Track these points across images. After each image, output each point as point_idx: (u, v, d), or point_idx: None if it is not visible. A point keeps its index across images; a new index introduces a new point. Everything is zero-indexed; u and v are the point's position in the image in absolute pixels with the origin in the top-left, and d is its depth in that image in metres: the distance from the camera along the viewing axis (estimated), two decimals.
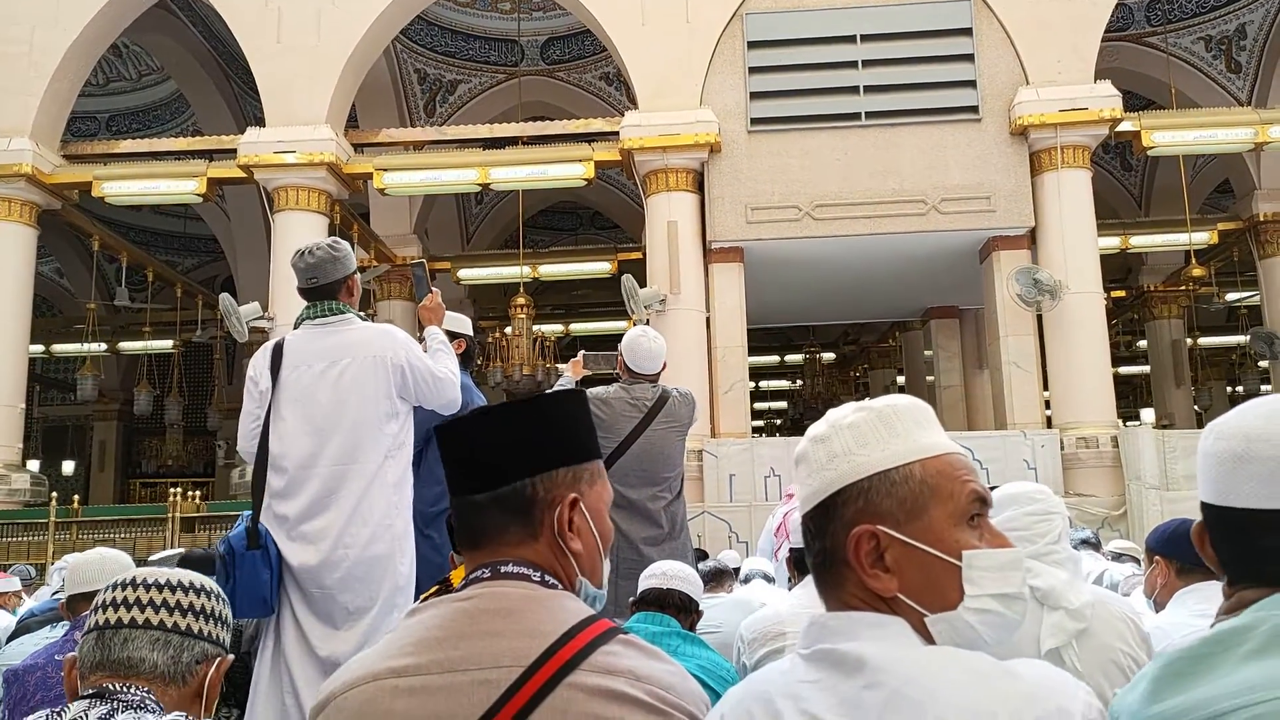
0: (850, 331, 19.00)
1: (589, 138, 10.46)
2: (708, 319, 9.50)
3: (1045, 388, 9.52)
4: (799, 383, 19.71)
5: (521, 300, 11.86)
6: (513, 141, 10.81)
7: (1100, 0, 9.40)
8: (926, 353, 13.88)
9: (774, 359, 20.46)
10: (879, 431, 1.10)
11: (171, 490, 9.22)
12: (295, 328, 3.21)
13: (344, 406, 3.05)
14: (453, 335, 3.71)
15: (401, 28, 11.10)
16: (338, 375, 3.07)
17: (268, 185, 9.84)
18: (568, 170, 10.11)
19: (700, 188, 9.54)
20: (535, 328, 12.61)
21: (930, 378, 13.66)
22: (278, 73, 9.77)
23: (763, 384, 21.28)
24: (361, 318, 3.25)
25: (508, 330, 12.16)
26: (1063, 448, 8.88)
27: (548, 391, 1.44)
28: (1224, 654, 1.02)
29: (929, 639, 1.04)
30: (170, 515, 8.79)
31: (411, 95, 13.33)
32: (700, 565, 4.48)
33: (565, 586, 1.23)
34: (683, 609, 2.72)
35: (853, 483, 1.08)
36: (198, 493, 9.50)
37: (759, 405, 21.53)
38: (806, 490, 1.12)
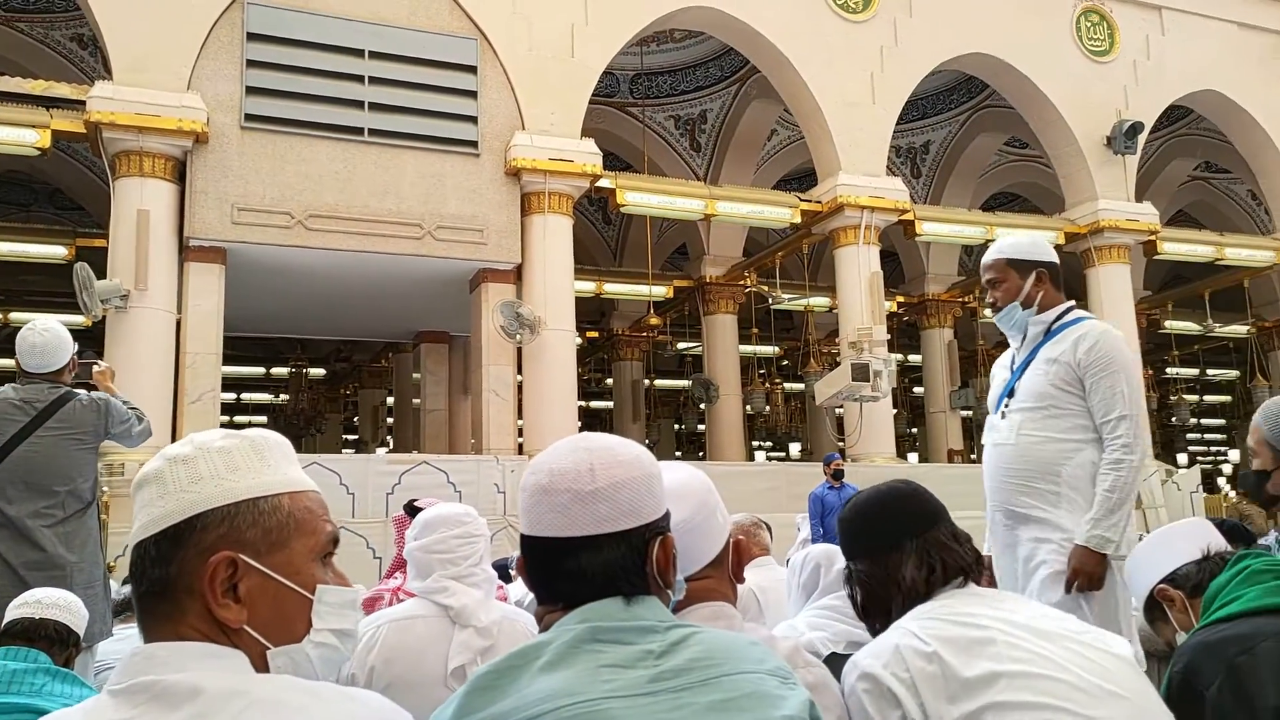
0: (343, 349, 18.63)
1: (50, 102, 9.09)
2: (179, 321, 8.71)
3: (520, 416, 10.09)
4: (283, 398, 18.84)
5: None
6: None
7: (591, 66, 10.31)
8: (416, 375, 14.05)
9: (258, 370, 19.37)
10: (251, 459, 1.07)
11: None
12: None
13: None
14: None
15: None
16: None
17: None
18: (17, 135, 8.67)
19: (182, 178, 8.75)
20: None
21: (417, 400, 13.84)
22: None
23: (244, 396, 20.03)
24: None
25: None
26: None
27: None
28: (525, 667, 1.11)
29: (265, 672, 1.02)
30: None
31: None
32: None
33: None
34: (58, 642, 2.40)
35: (218, 507, 1.03)
36: None
37: (239, 419, 20.24)
38: (156, 511, 1.04)
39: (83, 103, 8.57)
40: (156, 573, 1.01)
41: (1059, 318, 3.00)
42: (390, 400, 17.31)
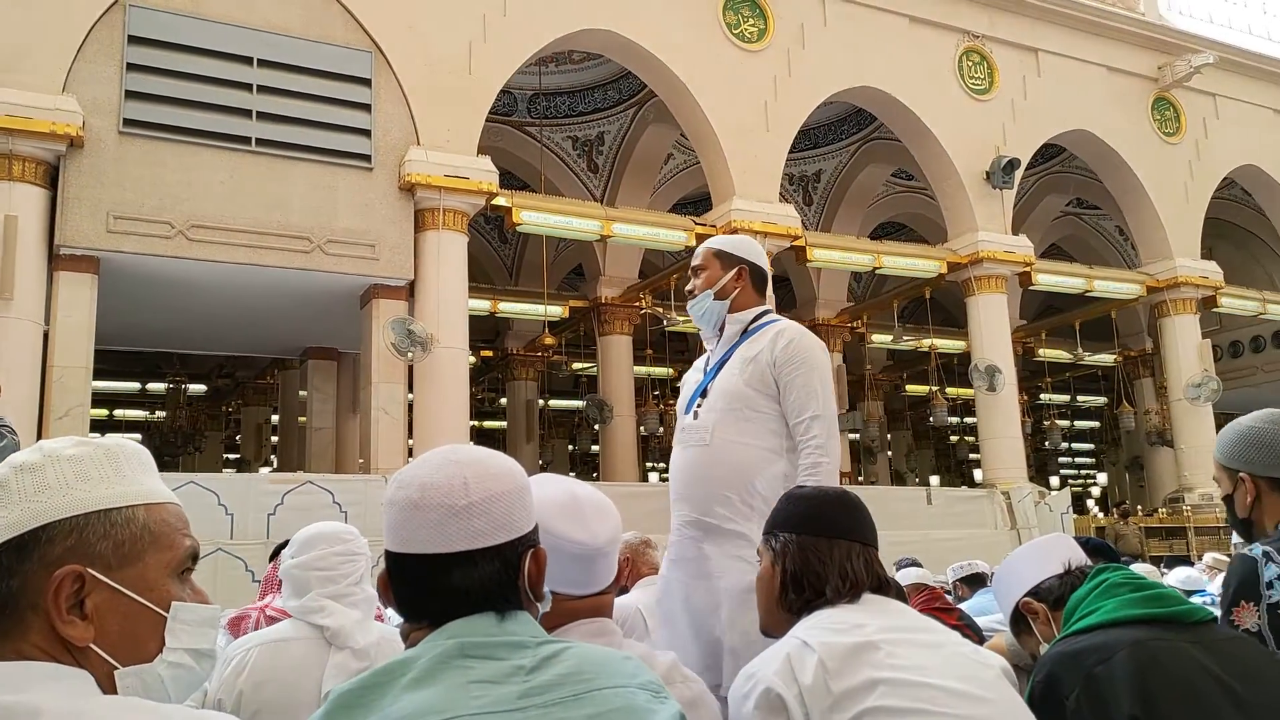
0: (226, 365, 18.00)
1: None
2: (47, 333, 8.29)
3: (411, 435, 9.91)
4: (159, 414, 18.09)
5: None
6: None
7: (489, 84, 10.27)
8: (302, 393, 13.67)
9: (134, 385, 18.56)
10: (104, 468, 1.02)
11: None
12: None
13: None
14: None
15: None
16: None
17: None
18: None
19: (54, 184, 8.35)
20: None
21: (303, 418, 13.46)
22: None
23: (117, 413, 19.15)
24: None
25: None
26: None
27: None
28: (389, 684, 1.08)
29: (112, 693, 0.97)
30: None
31: None
32: None
33: None
34: None
35: (66, 518, 0.97)
36: None
37: (112, 435, 19.31)
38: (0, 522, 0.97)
39: None
40: (1, 585, 0.95)
41: (756, 319, 2.90)
42: (275, 418, 16.78)
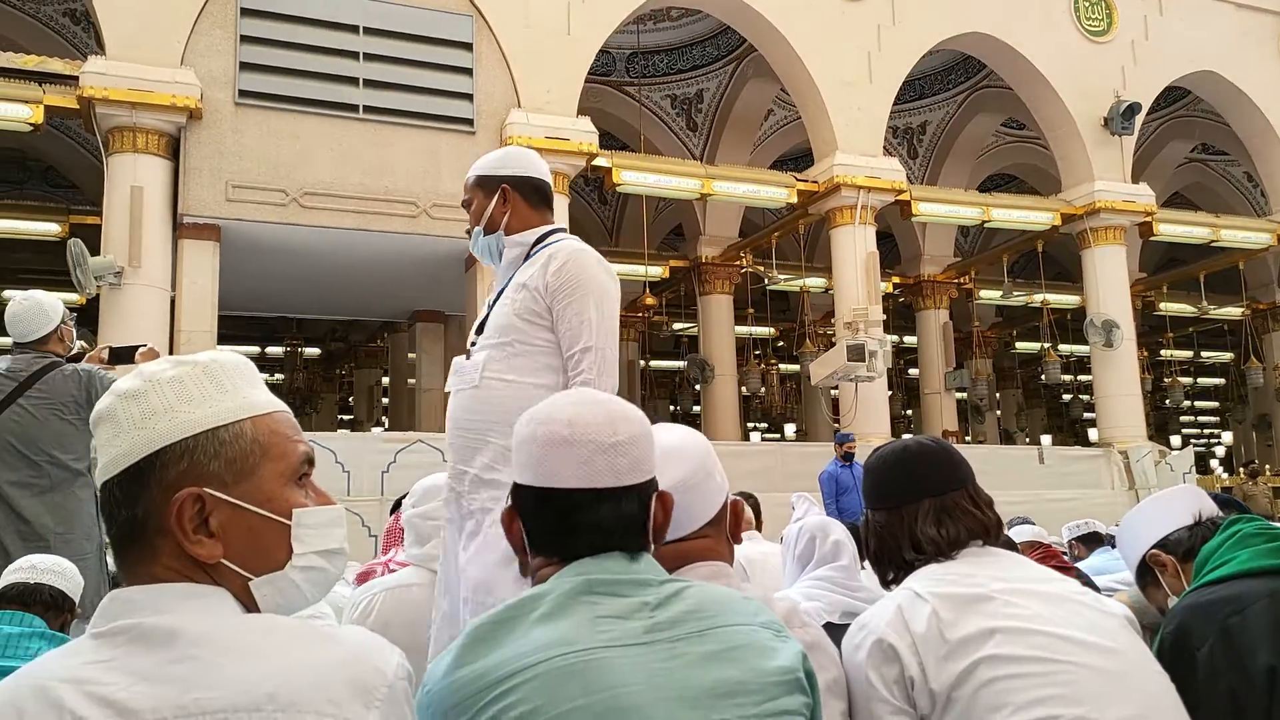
0: (338, 329, 18.59)
1: (43, 78, 9.01)
2: (174, 299, 8.68)
3: None
4: (279, 377, 18.82)
5: None
6: None
7: (588, 44, 10.26)
8: (411, 355, 14.03)
9: (253, 349, 19.32)
10: (205, 387, 1.02)
11: None
12: None
13: None
14: None
15: None
16: None
17: None
18: (9, 110, 8.60)
19: (176, 155, 8.70)
20: None
21: (412, 380, 13.83)
22: None
23: None
24: None
25: None
26: None
27: None
28: (521, 618, 1.12)
29: (251, 606, 1.00)
30: None
31: None
32: None
33: None
34: (53, 607, 2.41)
35: (175, 442, 0.98)
36: None
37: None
38: (114, 451, 1.00)
39: (76, 78, 8.50)
40: (124, 514, 0.98)
41: (541, 240, 2.51)
42: (386, 380, 17.29)
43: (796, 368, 17.12)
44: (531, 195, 2.55)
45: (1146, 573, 2.05)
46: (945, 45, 12.20)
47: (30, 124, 8.70)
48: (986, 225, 13.41)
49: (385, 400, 17.76)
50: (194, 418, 0.99)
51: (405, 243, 9.61)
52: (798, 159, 14.77)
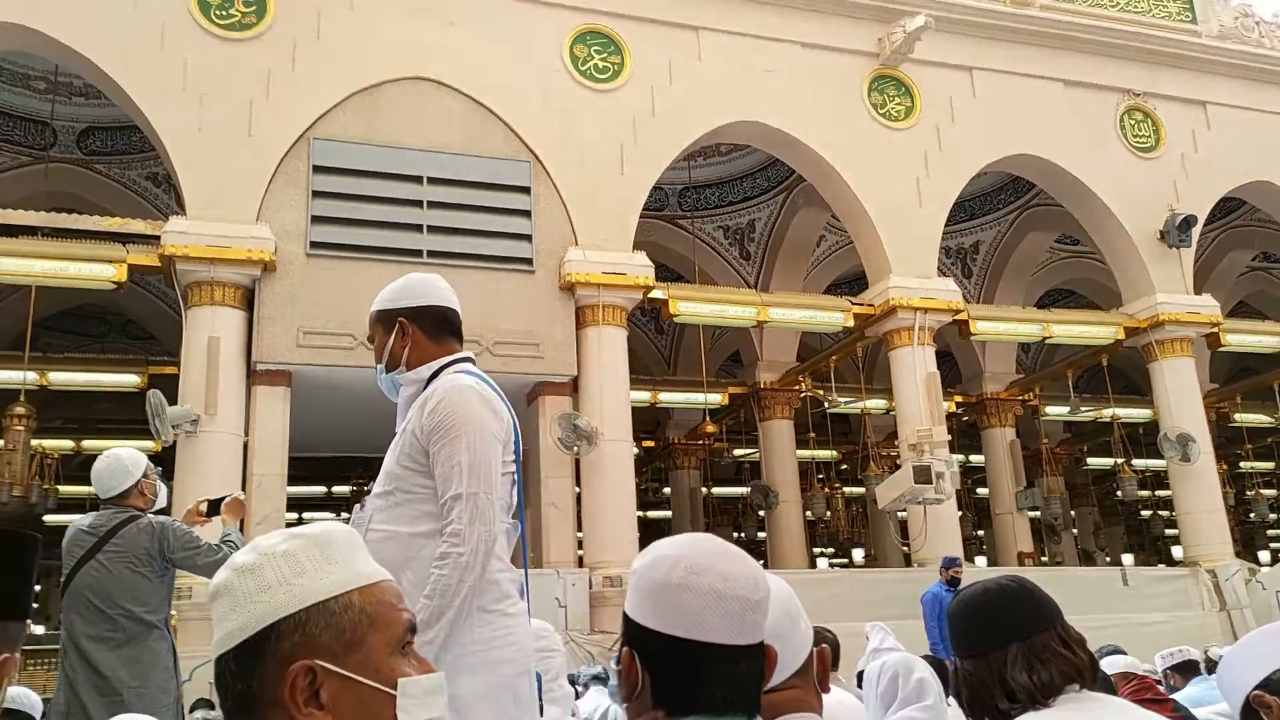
0: None
1: (126, 238, 9.53)
2: (246, 444, 8.89)
3: (580, 528, 10.04)
4: (344, 516, 18.97)
5: (20, 410, 10.29)
6: (32, 232, 9.53)
7: (641, 182, 10.59)
8: None
9: (320, 489, 19.59)
10: (316, 560, 1.05)
11: None
12: None
13: None
14: None
15: None
16: None
17: None
18: (95, 270, 9.10)
19: (250, 305, 9.06)
20: (35, 442, 10.96)
21: None
22: None
23: (305, 515, 20.22)
24: None
25: None
26: (591, 586, 9.35)
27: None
28: None
29: None
30: None
31: None
32: None
33: None
34: None
35: (289, 615, 1.01)
36: None
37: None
38: (230, 625, 1.03)
39: (156, 237, 8.97)
40: (239, 686, 1.01)
41: (436, 375, 2.36)
42: None
43: (861, 490, 16.83)
44: (430, 325, 2.45)
45: (1251, 715, 1.95)
46: (993, 167, 12.37)
47: (114, 282, 9.17)
48: (1048, 341, 13.28)
49: None
50: (306, 591, 1.03)
51: None
52: (852, 282, 14.90)
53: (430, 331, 2.44)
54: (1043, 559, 16.85)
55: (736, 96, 11.01)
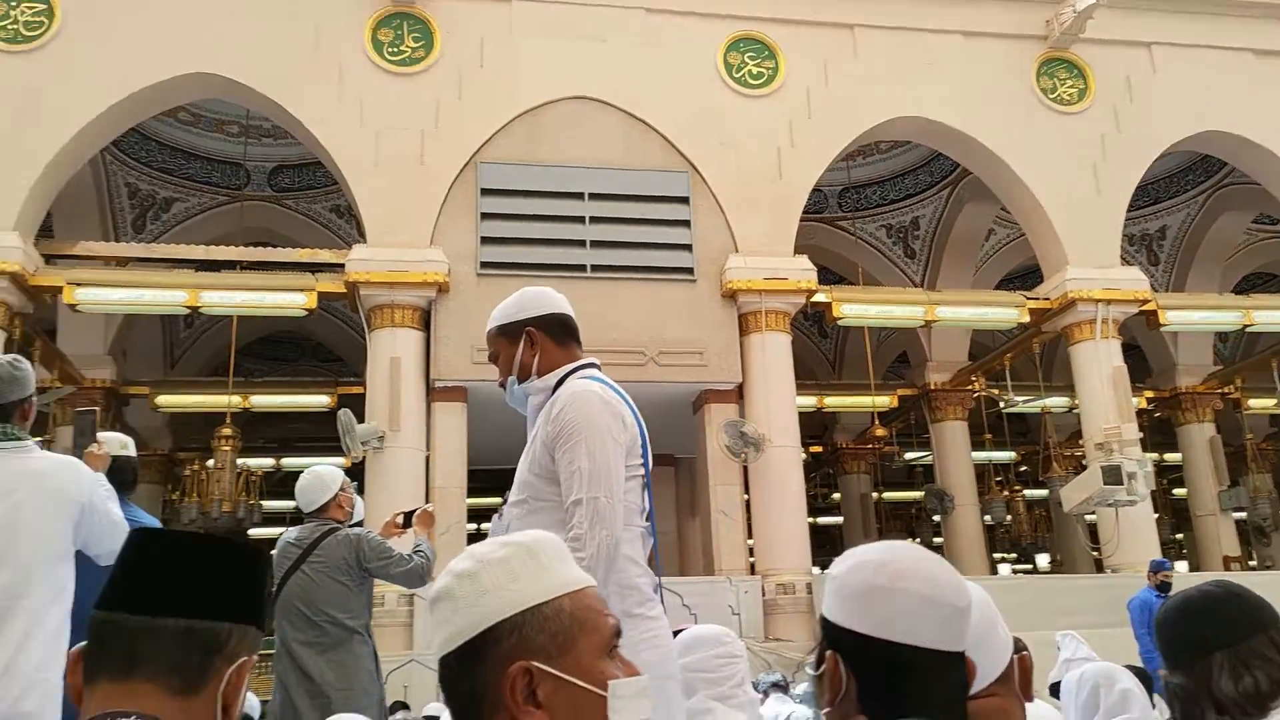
0: None
1: (314, 268, 10.19)
2: (428, 458, 9.31)
3: (750, 535, 10.01)
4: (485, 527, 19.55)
5: (227, 431, 11.11)
6: (230, 265, 10.34)
7: (799, 185, 10.49)
8: None
9: (496, 500, 20.24)
10: (529, 566, 1.10)
11: None
12: None
13: (15, 540, 2.72)
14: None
15: (113, 139, 10.51)
16: (12, 506, 2.75)
17: None
18: (288, 299, 9.76)
19: (426, 325, 9.49)
20: (241, 461, 11.81)
21: None
22: None
23: (483, 526, 20.96)
24: (38, 444, 2.99)
25: (209, 463, 11.31)
26: (764, 593, 9.30)
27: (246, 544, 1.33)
28: None
29: None
30: None
31: (120, 209, 12.52)
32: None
33: None
34: None
35: (507, 618, 1.07)
36: None
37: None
38: (452, 628, 1.09)
39: (341, 265, 9.54)
40: (463, 687, 1.07)
41: (562, 381, 2.38)
42: None
43: (1044, 493, 16.06)
44: (557, 332, 2.49)
45: None
46: (1179, 147, 11.61)
47: (306, 309, 9.80)
48: (1249, 330, 12.33)
49: None
50: (522, 595, 1.08)
51: (634, 390, 9.66)
52: (1024, 275, 14.27)
53: (557, 338, 2.50)
54: (1250, 563, 15.62)
55: (896, 92, 10.76)
